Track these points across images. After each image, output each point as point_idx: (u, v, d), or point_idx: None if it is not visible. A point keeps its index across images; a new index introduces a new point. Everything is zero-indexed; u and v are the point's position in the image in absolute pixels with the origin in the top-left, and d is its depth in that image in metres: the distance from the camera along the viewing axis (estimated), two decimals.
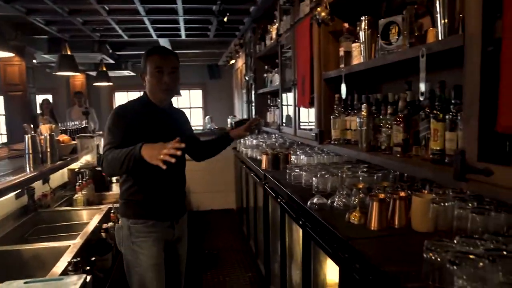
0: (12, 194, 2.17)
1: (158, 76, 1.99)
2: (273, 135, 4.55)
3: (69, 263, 1.58)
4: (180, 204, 2.20)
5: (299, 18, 3.07)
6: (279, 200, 2.53)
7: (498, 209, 1.31)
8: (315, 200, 2.01)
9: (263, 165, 3.27)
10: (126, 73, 9.10)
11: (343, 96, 2.39)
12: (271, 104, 4.83)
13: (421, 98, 1.61)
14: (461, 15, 1.51)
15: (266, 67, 4.95)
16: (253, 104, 5.69)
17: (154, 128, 2.01)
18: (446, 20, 1.51)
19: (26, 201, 2.40)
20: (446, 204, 1.41)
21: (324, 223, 1.74)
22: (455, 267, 0.99)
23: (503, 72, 1.10)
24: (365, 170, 2.12)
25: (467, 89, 1.27)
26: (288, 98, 3.83)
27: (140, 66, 2.13)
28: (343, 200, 1.92)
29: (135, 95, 11.14)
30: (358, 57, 2.34)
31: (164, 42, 6.25)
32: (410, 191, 1.68)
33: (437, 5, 1.55)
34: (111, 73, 7.37)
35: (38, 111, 6.90)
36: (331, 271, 1.92)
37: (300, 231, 2.13)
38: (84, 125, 4.04)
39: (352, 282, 1.43)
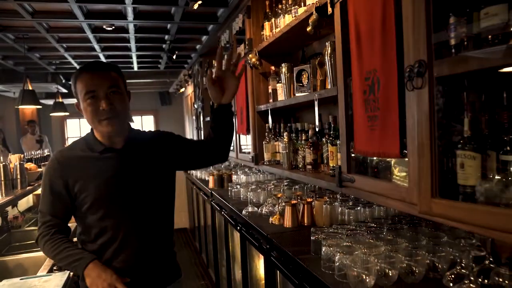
0: None
1: (92, 103, 1.46)
2: None
3: (54, 264, 1.99)
4: (155, 272, 1.61)
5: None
6: (223, 212, 3.05)
7: (364, 206, 1.92)
8: (248, 210, 2.56)
9: (210, 185, 3.79)
10: None
11: (270, 125, 2.99)
12: None
13: (317, 129, 2.22)
14: None
15: None
16: (202, 130, 6.21)
17: (101, 186, 1.51)
18: (332, 74, 2.14)
19: (0, 222, 2.74)
20: (334, 204, 2.00)
21: (253, 225, 2.28)
22: (332, 247, 1.55)
23: (354, 117, 1.72)
24: (286, 184, 2.70)
25: (340, 125, 1.88)
26: None
27: None
28: (270, 208, 2.48)
29: (86, 121, 11.27)
30: (282, 94, 2.94)
31: None
32: (314, 197, 2.26)
33: (327, 62, 2.18)
34: (62, 99, 7.60)
35: None
36: (262, 266, 2.45)
37: (238, 235, 2.65)
38: (46, 153, 4.35)
39: (271, 264, 1.97)
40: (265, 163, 3.15)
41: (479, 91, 1.26)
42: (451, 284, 1.27)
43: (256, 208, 2.54)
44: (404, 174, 1.48)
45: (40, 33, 3.94)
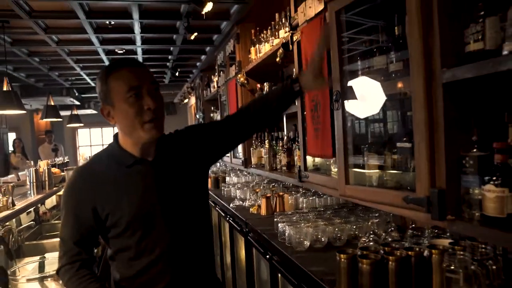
0: (27, 211, 3.11)
1: (135, 102, 1.25)
2: (218, 163, 5.66)
3: None
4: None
5: (229, 78, 4.26)
6: (217, 208, 3.63)
7: (319, 196, 2.49)
8: (235, 203, 3.13)
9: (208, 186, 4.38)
10: (89, 111, 9.98)
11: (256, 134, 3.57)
12: None
13: (291, 137, 2.80)
14: None
15: (212, 108, 6.12)
16: None
17: (134, 205, 1.32)
18: None
19: (33, 216, 3.33)
20: (296, 196, 2.58)
21: (237, 214, 2.86)
22: (284, 223, 2.12)
23: (307, 128, 2.29)
24: (266, 182, 3.28)
25: (299, 134, 2.46)
26: None
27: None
28: (252, 202, 3.06)
29: (96, 131, 11.96)
30: None
31: None
32: (285, 192, 2.84)
33: None
34: (76, 112, 8.27)
35: (10, 149, 7.64)
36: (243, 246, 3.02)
37: (228, 224, 3.22)
38: (65, 160, 4.98)
39: (249, 243, 2.54)
40: (252, 166, 3.73)
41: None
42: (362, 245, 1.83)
43: (241, 202, 3.12)
44: (336, 170, 2.05)
45: (61, 56, 4.58)
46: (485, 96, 1.32)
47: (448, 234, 1.70)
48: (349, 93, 1.80)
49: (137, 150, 1.35)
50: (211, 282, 1.55)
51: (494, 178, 1.16)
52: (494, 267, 1.28)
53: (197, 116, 7.15)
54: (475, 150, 1.25)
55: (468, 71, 1.17)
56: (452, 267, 1.27)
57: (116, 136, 1.40)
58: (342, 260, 1.39)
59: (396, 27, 1.60)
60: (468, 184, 1.26)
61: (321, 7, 1.99)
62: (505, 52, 1.10)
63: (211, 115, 6.16)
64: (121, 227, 1.33)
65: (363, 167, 1.83)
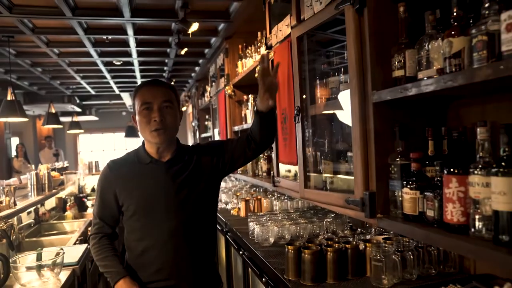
0: (27, 210, 3.37)
1: (146, 114, 1.58)
2: None
3: (77, 239, 2.84)
4: (195, 280, 1.65)
5: (219, 89, 4.54)
6: None
7: (291, 200, 2.75)
8: (219, 206, 3.39)
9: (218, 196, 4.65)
10: (90, 118, 10.28)
11: None
12: None
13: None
14: None
15: (207, 116, 6.39)
16: None
17: (143, 196, 1.61)
18: None
19: (33, 216, 3.59)
20: (271, 199, 2.84)
21: (219, 215, 3.11)
22: (254, 222, 2.37)
23: (278, 138, 2.55)
24: (248, 187, 3.53)
25: (274, 143, 2.72)
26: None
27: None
28: (234, 204, 3.31)
29: (97, 136, 12.25)
30: (249, 118, 3.79)
31: (125, 96, 7.61)
32: (263, 196, 3.09)
33: None
34: (77, 118, 8.57)
35: (14, 154, 7.92)
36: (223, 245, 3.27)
37: None
38: (65, 165, 5.25)
39: (227, 242, 2.80)
40: (238, 172, 3.98)
41: (331, 123, 2.10)
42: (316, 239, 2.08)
43: (225, 205, 3.38)
44: None
45: (62, 67, 4.88)
46: (413, 114, 1.57)
47: (392, 232, 1.95)
48: (309, 109, 2.07)
49: (154, 152, 1.66)
50: (211, 278, 1.73)
51: (410, 182, 1.41)
52: (411, 257, 1.53)
53: (193, 124, 7.42)
54: (398, 159, 1.50)
55: (388, 94, 1.43)
56: (378, 257, 1.52)
57: (143, 140, 1.72)
58: (290, 251, 1.65)
59: (345, 53, 1.86)
60: (394, 187, 1.51)
61: (288, 31, 2.26)
62: (424, 79, 1.35)
63: (205, 123, 6.43)
64: (130, 212, 1.63)
65: (321, 173, 2.09)
